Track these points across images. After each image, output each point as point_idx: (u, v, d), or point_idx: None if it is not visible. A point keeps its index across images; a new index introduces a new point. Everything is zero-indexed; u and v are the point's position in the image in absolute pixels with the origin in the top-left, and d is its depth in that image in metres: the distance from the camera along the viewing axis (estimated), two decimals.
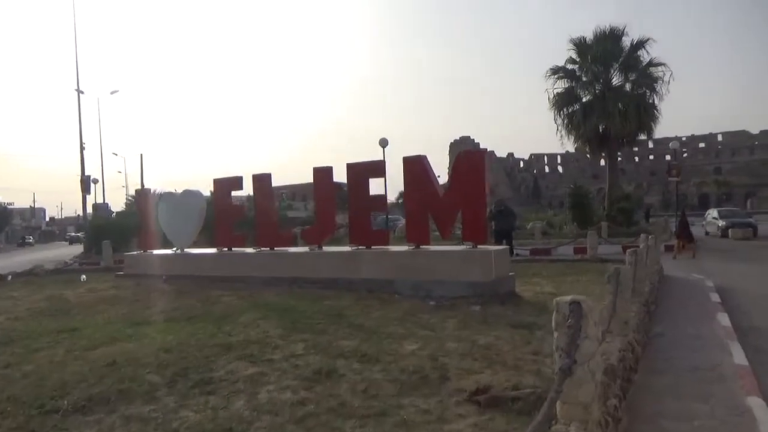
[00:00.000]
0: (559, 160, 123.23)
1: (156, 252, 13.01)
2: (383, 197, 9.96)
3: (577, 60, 29.21)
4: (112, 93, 48.11)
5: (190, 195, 12.50)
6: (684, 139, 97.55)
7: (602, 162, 42.79)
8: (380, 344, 5.49)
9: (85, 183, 28.87)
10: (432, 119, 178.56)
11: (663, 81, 27.79)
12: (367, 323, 6.64)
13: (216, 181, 11.88)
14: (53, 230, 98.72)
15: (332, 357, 5.05)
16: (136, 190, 13.34)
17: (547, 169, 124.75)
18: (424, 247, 9.20)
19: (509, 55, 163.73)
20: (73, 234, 78.30)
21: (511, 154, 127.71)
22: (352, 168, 9.91)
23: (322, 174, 10.35)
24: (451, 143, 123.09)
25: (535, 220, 28.88)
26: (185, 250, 12.51)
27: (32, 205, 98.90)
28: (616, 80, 28.90)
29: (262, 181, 11.19)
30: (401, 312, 7.39)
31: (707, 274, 12.45)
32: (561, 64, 29.69)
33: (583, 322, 3.36)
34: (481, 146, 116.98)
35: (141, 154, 57.05)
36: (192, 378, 4.64)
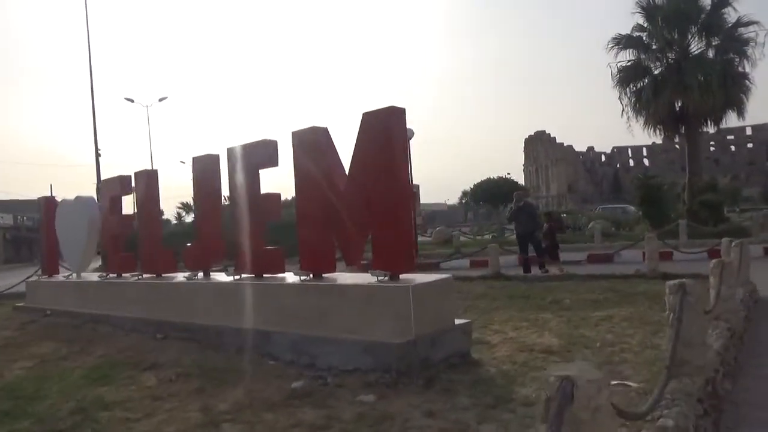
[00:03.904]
0: (644, 153, 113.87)
1: (55, 278, 10.08)
2: (277, 197, 6.46)
3: (646, 26, 24.25)
4: (160, 100, 46.58)
5: (80, 203, 9.45)
6: None
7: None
8: None
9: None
10: (508, 117, 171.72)
11: (756, 43, 22.43)
12: None
13: (103, 183, 8.80)
14: None
15: None
16: (38, 198, 10.42)
17: (631, 163, 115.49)
18: (327, 276, 5.58)
19: (586, 47, 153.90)
20: None
21: (591, 148, 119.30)
22: (232, 154, 6.47)
23: (204, 166, 6.96)
24: (526, 139, 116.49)
25: (596, 219, 24.12)
26: (82, 274, 9.49)
27: None
28: (694, 47, 23.72)
29: (146, 179, 7.93)
30: (208, 415, 3.86)
31: None
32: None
33: None
34: (558, 141, 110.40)
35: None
36: None
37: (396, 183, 4.91)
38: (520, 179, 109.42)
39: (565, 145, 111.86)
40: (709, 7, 23.31)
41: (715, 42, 23.43)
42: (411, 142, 22.02)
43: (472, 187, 78.72)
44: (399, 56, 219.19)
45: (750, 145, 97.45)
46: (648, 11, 23.99)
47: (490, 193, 29.58)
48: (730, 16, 23.17)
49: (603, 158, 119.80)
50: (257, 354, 5.42)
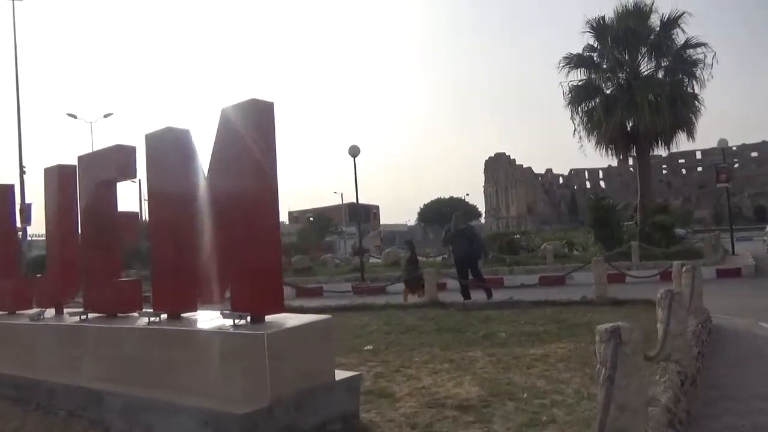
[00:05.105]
0: (600, 175, 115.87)
1: None
2: (134, 216, 5.29)
3: (596, 46, 23.93)
4: (105, 116, 44.35)
5: None
6: (734, 148, 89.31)
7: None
8: None
9: (26, 212, 24.99)
10: (469, 139, 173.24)
11: (704, 64, 22.29)
12: None
13: None
14: None
15: None
16: None
17: (588, 185, 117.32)
18: (186, 317, 4.37)
19: (548, 70, 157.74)
20: None
21: (549, 170, 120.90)
22: (83, 163, 5.25)
23: (57, 179, 5.68)
24: (486, 161, 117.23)
25: (550, 240, 23.45)
26: None
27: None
28: (644, 67, 23.44)
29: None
30: None
31: None
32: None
33: None
34: (517, 163, 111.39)
35: (139, 180, 53.24)
36: None
37: (259, 197, 3.78)
38: (481, 200, 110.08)
39: (524, 167, 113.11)
40: (658, 28, 23.15)
41: (664, 63, 23.21)
42: (357, 159, 21.04)
43: (422, 207, 76.89)
44: (362, 79, 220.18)
45: (700, 169, 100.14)
46: (598, 30, 23.67)
47: (440, 214, 28.78)
48: (679, 37, 23.07)
49: (561, 180, 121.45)
50: (88, 420, 4.18)
